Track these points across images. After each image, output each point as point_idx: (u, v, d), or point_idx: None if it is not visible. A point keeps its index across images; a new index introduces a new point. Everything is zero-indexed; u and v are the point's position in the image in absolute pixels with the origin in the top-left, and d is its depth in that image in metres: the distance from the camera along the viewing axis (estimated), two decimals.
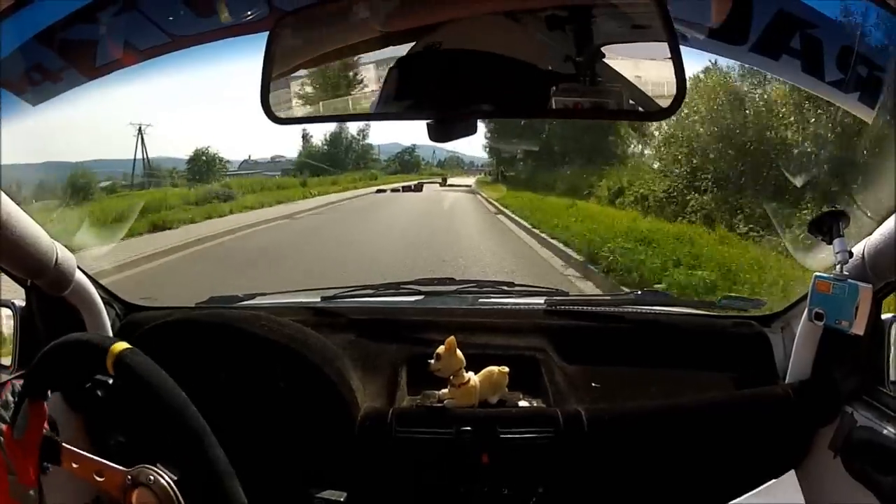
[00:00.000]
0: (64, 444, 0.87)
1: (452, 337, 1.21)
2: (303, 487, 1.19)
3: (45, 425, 0.89)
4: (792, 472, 0.96)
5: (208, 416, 0.82)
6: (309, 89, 0.99)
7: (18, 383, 0.92)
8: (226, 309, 1.56)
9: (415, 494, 1.22)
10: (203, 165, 17.55)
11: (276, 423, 1.20)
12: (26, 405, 0.87)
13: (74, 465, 0.86)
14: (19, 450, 0.86)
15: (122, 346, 0.83)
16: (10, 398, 0.92)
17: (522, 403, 1.28)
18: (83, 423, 1.27)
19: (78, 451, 0.86)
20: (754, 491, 0.96)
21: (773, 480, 0.98)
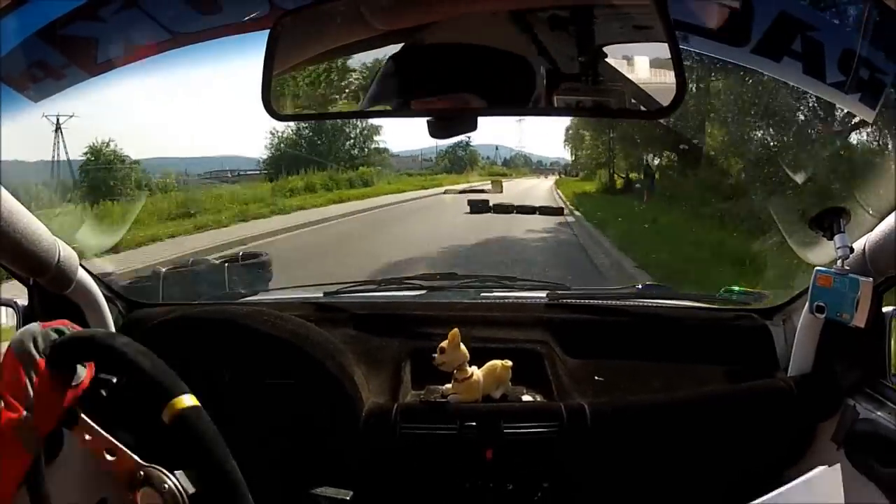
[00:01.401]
0: (83, 415, 0.85)
1: (456, 329, 1.21)
2: (307, 484, 1.19)
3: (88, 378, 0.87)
4: (837, 466, 0.95)
5: (211, 413, 0.82)
6: (310, 86, 0.99)
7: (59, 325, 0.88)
8: (228, 305, 1.56)
9: (420, 491, 1.23)
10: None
11: (280, 418, 1.20)
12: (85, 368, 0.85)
13: (87, 437, 0.84)
14: (54, 397, 0.83)
15: (184, 402, 0.80)
16: (54, 335, 0.88)
17: (526, 398, 1.29)
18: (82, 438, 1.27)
19: (95, 426, 0.85)
20: (793, 483, 0.94)
21: (818, 469, 0.95)
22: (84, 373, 0.87)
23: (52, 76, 1.16)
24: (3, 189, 1.04)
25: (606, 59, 0.92)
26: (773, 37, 1.07)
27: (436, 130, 0.91)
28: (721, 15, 1.09)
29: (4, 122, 1.18)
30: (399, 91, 0.93)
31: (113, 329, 1.37)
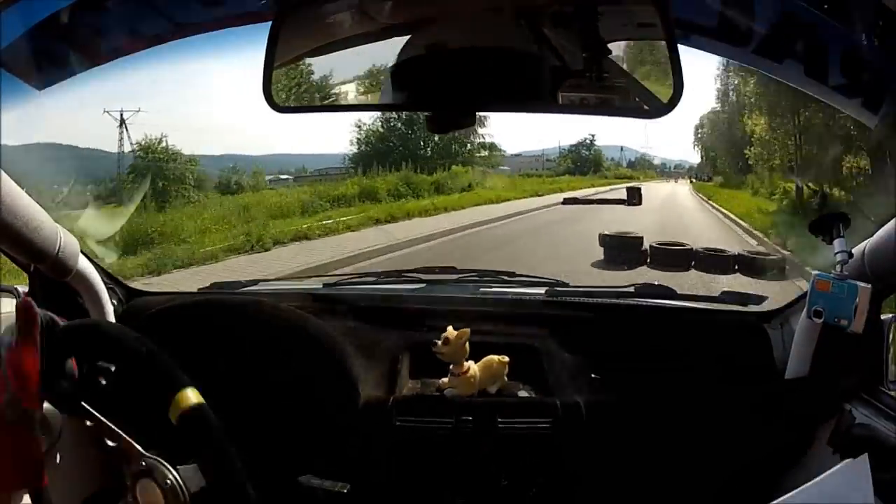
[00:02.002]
0: (83, 403, 0.86)
1: (468, 329, 1.21)
2: (304, 475, 1.20)
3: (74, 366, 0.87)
4: (864, 457, 0.94)
5: (208, 402, 0.83)
6: (311, 79, 1.00)
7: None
8: (227, 294, 1.57)
9: (415, 483, 1.24)
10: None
11: (277, 408, 1.21)
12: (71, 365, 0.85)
13: (88, 423, 0.85)
14: (23, 362, 0.83)
15: (189, 399, 0.80)
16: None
17: (522, 393, 1.30)
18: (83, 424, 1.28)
19: (96, 412, 0.85)
20: (820, 477, 0.92)
21: (847, 461, 0.93)
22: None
23: (56, 65, 1.16)
24: (4, 175, 1.04)
25: (606, 57, 0.92)
26: (775, 38, 1.06)
27: (434, 125, 0.91)
28: (722, 14, 1.09)
29: (6, 109, 1.18)
30: (400, 84, 0.93)
31: (112, 317, 1.37)
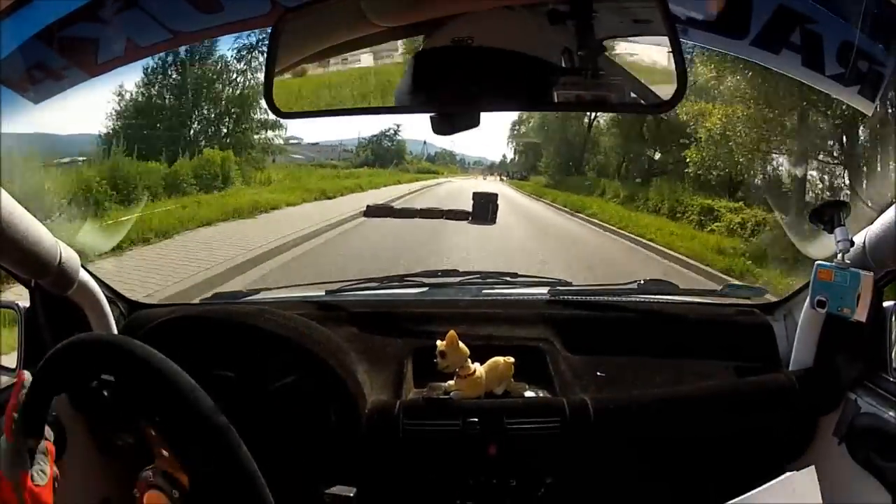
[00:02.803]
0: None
1: (452, 331, 1.21)
2: (312, 483, 1.19)
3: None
4: (812, 468, 0.96)
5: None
6: (312, 84, 1.00)
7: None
8: (230, 304, 1.56)
9: (423, 487, 1.23)
10: None
11: (283, 417, 1.20)
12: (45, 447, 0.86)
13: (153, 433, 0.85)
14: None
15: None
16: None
17: (528, 394, 1.29)
18: (87, 425, 1.27)
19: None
20: (769, 483, 0.95)
21: (791, 473, 0.96)
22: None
23: (52, 77, 1.16)
24: (3, 191, 1.03)
25: (607, 54, 0.92)
26: (772, 29, 1.07)
27: (439, 126, 0.91)
28: (720, 7, 1.10)
29: (4, 123, 1.17)
30: (401, 87, 0.93)
31: (115, 330, 1.36)
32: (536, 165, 14.08)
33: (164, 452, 0.84)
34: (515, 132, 14.38)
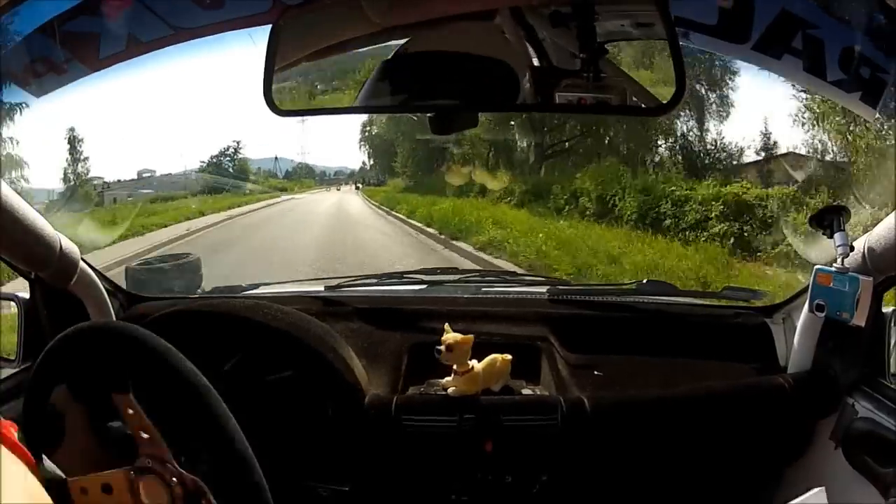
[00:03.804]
0: (69, 479, 0.86)
1: (471, 337, 1.21)
2: (308, 477, 1.20)
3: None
4: (822, 490, 0.95)
5: None
6: (310, 82, 1.00)
7: None
8: (229, 298, 1.57)
9: (419, 483, 1.24)
10: None
11: (280, 411, 1.21)
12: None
13: (130, 411, 0.84)
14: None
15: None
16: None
17: (525, 391, 1.30)
18: (87, 415, 1.28)
19: (81, 478, 0.85)
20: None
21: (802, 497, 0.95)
22: None
23: (54, 71, 1.16)
24: (3, 184, 1.04)
25: (607, 57, 0.92)
26: (774, 34, 1.07)
27: (437, 126, 0.91)
28: (722, 12, 1.09)
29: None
30: (401, 87, 0.93)
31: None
32: (392, 166, 11.97)
33: (145, 434, 0.83)
34: (366, 133, 12.32)
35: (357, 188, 12.72)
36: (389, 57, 0.94)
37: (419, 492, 1.24)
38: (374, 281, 1.65)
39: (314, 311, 1.39)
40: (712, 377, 1.33)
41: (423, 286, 1.63)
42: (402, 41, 0.94)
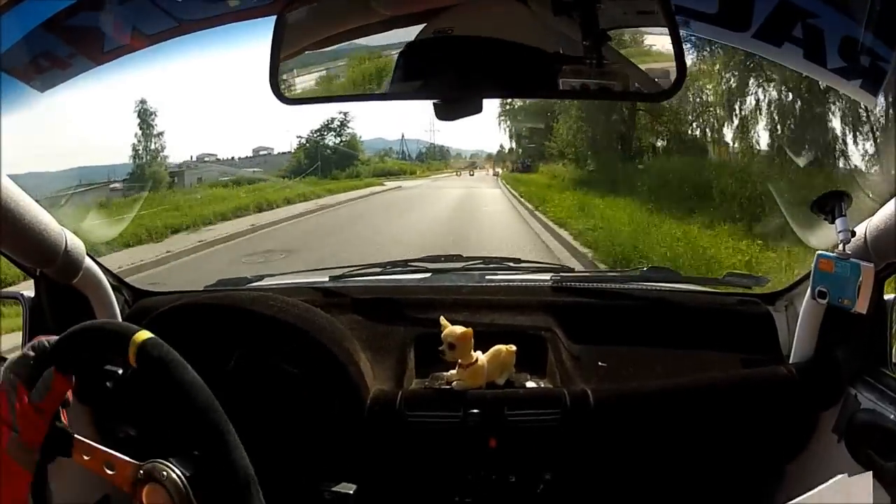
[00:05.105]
0: (76, 435, 0.85)
1: (470, 329, 1.21)
2: (312, 472, 1.19)
3: (69, 396, 0.87)
4: (869, 474, 0.94)
5: (219, 399, 0.82)
6: (317, 71, 1.00)
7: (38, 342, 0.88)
8: (235, 291, 1.57)
9: (424, 480, 1.23)
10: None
11: (285, 405, 1.21)
12: (51, 372, 0.84)
13: (85, 458, 0.84)
14: (32, 411, 0.83)
15: (145, 335, 0.80)
16: (31, 353, 0.88)
17: (530, 384, 1.30)
18: (92, 416, 1.28)
19: (89, 441, 0.84)
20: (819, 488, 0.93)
21: (845, 476, 0.94)
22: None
23: (58, 66, 1.16)
24: (8, 180, 1.04)
25: (609, 43, 0.93)
26: (775, 22, 1.08)
27: (442, 113, 0.92)
28: (722, 0, 1.10)
29: (7, 111, 1.18)
30: (406, 73, 0.94)
31: (120, 318, 1.37)
32: (543, 150, 9.12)
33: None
34: (506, 107, 10.00)
35: (496, 175, 10.26)
36: (398, 46, 0.95)
37: (423, 489, 1.24)
38: (379, 270, 1.65)
39: (319, 303, 1.39)
40: (715, 367, 1.33)
41: (427, 275, 1.62)
42: (409, 29, 0.94)
